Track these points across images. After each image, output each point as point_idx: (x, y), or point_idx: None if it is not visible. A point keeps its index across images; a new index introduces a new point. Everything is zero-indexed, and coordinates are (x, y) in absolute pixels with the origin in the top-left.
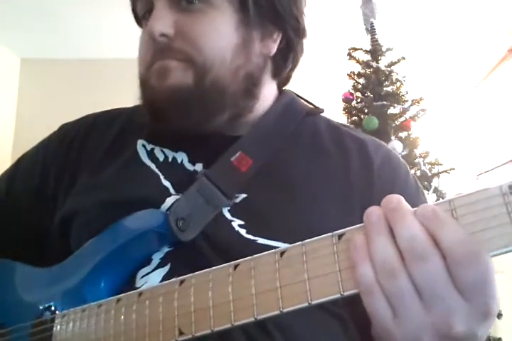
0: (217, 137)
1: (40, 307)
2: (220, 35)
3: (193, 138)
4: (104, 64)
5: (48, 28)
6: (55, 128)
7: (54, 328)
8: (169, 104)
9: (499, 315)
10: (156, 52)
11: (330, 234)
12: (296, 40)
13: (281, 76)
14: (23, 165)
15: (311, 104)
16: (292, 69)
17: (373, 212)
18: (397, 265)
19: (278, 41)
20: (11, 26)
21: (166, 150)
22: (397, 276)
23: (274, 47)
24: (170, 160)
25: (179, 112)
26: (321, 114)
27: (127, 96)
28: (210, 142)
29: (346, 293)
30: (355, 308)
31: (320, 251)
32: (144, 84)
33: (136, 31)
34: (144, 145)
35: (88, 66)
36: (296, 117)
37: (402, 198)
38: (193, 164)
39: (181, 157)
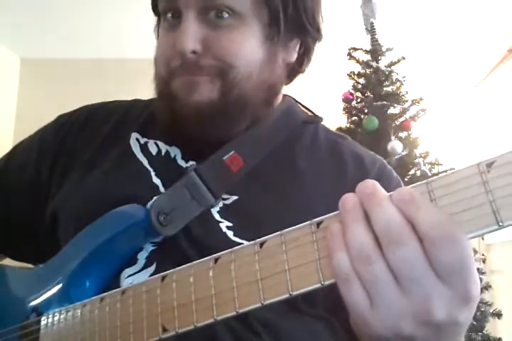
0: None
1: (27, 309)
2: (249, 51)
3: (188, 134)
4: (104, 64)
5: (48, 28)
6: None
7: (41, 330)
8: (195, 119)
9: (499, 315)
10: (183, 67)
11: (308, 222)
12: (313, 46)
13: (294, 78)
14: (18, 155)
15: (310, 111)
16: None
17: (348, 198)
18: (372, 251)
19: (297, 48)
20: (11, 26)
21: (160, 143)
22: (372, 262)
23: (295, 55)
24: (163, 153)
25: (203, 126)
26: (322, 123)
27: (127, 96)
28: (204, 140)
29: (326, 282)
30: (341, 313)
31: (299, 240)
32: (166, 89)
33: (136, 32)
34: (137, 139)
35: (88, 66)
36: (293, 124)
37: (377, 183)
38: (186, 161)
39: (175, 152)
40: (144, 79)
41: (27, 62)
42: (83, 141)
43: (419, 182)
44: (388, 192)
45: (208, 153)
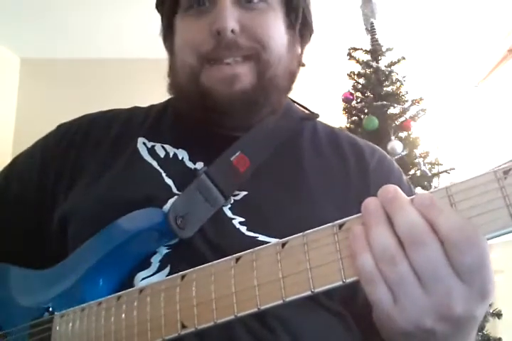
0: (218, 136)
1: (39, 309)
2: (279, 34)
3: (194, 136)
4: (104, 64)
5: (48, 28)
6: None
7: (53, 328)
8: (235, 105)
9: (499, 315)
10: (222, 48)
11: (331, 224)
12: (304, 47)
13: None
14: (19, 166)
15: (306, 109)
16: None
17: (371, 202)
18: (396, 252)
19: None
20: (11, 26)
21: (167, 146)
22: (397, 263)
23: (299, 48)
24: (171, 156)
25: (241, 110)
26: (318, 119)
27: (127, 95)
28: (211, 141)
29: (348, 280)
30: (355, 307)
31: (321, 241)
32: (196, 77)
33: (136, 32)
34: (144, 143)
35: (88, 66)
36: (293, 122)
37: (398, 188)
38: (194, 163)
39: (182, 154)
40: (144, 79)
41: (27, 62)
42: (89, 146)
43: (439, 188)
44: (392, 182)
45: (213, 154)
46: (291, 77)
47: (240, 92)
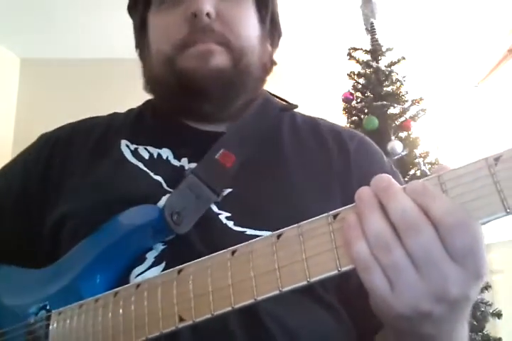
0: (199, 132)
1: (35, 307)
2: (252, 25)
3: (175, 134)
4: (104, 64)
5: (48, 28)
6: (55, 128)
7: (51, 326)
8: (211, 83)
9: (499, 315)
10: (197, 32)
11: (325, 214)
12: (274, 49)
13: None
14: (2, 179)
15: (284, 100)
16: None
17: (364, 191)
18: (391, 238)
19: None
20: (11, 26)
21: (150, 148)
22: (391, 249)
23: (270, 48)
24: (155, 156)
25: (218, 90)
26: (296, 110)
27: (126, 95)
28: (193, 137)
29: (343, 269)
30: (353, 303)
31: (316, 231)
32: (171, 62)
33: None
34: (127, 145)
35: (88, 66)
36: (272, 113)
37: (391, 178)
38: (179, 160)
39: (166, 154)
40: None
41: (27, 62)
42: (72, 153)
43: (431, 176)
44: (373, 164)
45: (196, 150)
46: (264, 68)
47: (216, 70)
